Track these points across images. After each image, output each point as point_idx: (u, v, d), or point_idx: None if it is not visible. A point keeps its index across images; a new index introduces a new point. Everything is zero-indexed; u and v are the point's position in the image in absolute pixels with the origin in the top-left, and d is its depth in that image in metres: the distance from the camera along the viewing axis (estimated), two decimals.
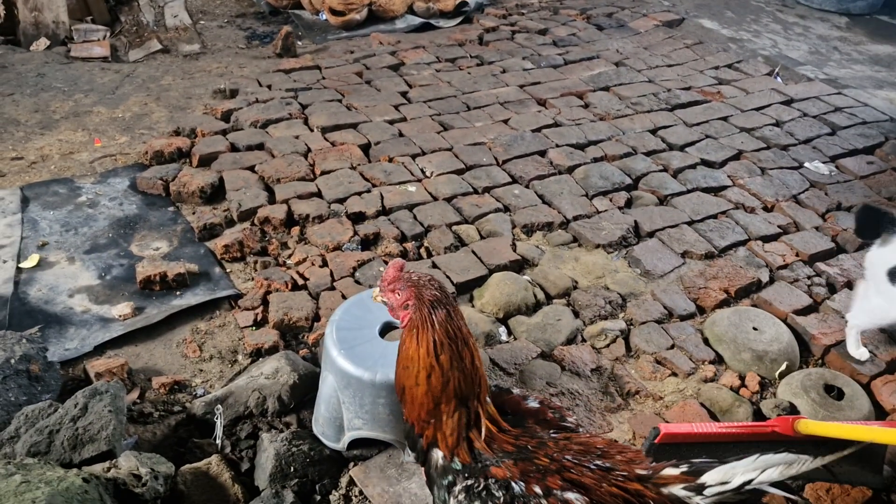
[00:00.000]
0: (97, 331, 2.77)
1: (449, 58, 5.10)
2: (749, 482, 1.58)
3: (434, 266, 3.13)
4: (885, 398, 2.70)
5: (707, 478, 1.61)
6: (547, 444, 1.73)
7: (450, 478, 1.72)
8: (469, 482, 1.68)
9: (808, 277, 3.27)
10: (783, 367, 2.80)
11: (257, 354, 2.72)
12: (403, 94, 4.53)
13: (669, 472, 1.66)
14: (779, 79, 5.15)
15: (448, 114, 4.33)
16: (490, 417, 1.74)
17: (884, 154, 4.30)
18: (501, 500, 1.64)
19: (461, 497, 1.68)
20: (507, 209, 3.55)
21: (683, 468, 1.65)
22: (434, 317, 1.70)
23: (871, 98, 4.98)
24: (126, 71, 4.83)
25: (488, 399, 1.78)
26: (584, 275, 3.21)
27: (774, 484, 1.59)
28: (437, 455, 1.76)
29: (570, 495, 1.63)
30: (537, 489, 1.63)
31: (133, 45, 5.38)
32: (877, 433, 2.08)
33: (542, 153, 4.00)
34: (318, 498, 2.26)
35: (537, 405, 1.85)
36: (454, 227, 3.38)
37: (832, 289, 3.23)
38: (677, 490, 1.63)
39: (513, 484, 1.64)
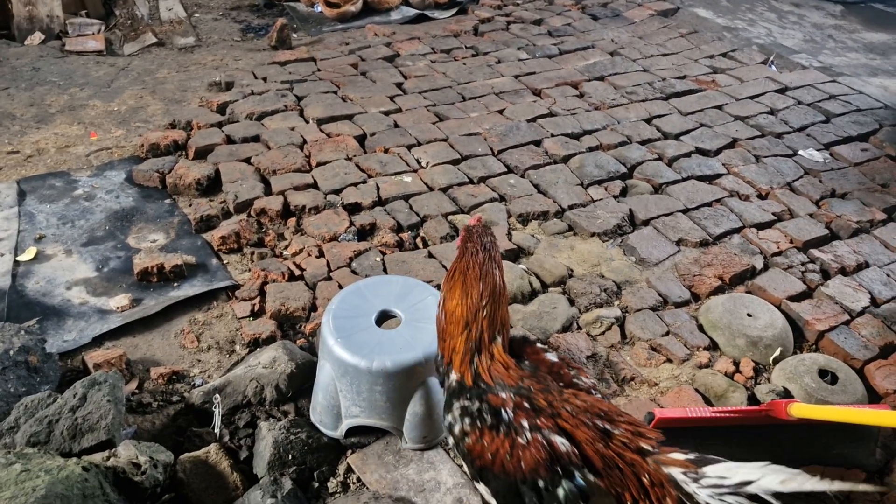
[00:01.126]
0: (95, 322, 2.79)
1: (444, 49, 5.10)
2: (748, 483, 1.55)
3: (430, 256, 3.15)
4: (879, 382, 2.73)
5: (709, 469, 1.60)
6: (551, 392, 1.78)
7: (454, 397, 1.84)
8: (466, 403, 1.80)
9: (802, 264, 3.29)
10: (777, 352, 2.82)
11: (255, 344, 2.73)
12: (399, 86, 4.54)
13: (675, 455, 1.65)
14: (773, 67, 5.16)
15: (443, 104, 4.33)
16: (502, 355, 1.85)
17: (878, 141, 4.32)
18: (488, 422, 1.73)
19: (456, 413, 1.81)
20: (502, 199, 3.57)
21: (691, 456, 1.64)
22: (487, 251, 1.90)
23: (866, 86, 5.00)
24: (121, 64, 4.83)
25: (503, 343, 1.88)
26: (580, 263, 3.22)
27: (776, 496, 1.54)
28: (452, 378, 1.89)
29: (556, 438, 1.68)
30: (524, 423, 1.71)
31: (128, 38, 5.38)
32: (867, 415, 2.11)
33: (538, 143, 4.01)
34: (317, 485, 2.28)
35: (556, 359, 1.91)
36: (450, 217, 3.40)
37: (826, 275, 3.25)
38: (676, 473, 1.63)
39: (503, 411, 1.72)
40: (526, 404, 1.74)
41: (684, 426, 2.23)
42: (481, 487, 1.81)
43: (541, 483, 1.68)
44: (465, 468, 1.77)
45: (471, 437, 1.77)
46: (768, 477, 1.53)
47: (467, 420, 1.78)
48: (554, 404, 1.75)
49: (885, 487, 1.57)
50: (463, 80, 4.65)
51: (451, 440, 1.86)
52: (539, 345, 1.97)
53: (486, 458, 1.75)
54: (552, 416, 1.73)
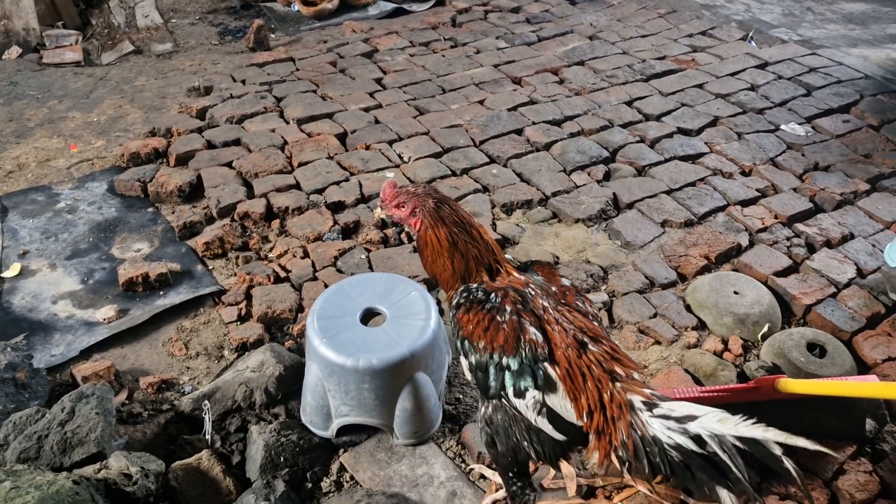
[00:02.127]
0: (82, 335, 2.78)
1: (422, 42, 5.09)
2: (692, 418, 1.62)
3: (415, 251, 3.15)
4: (867, 353, 2.74)
5: (664, 403, 1.71)
6: (548, 300, 1.91)
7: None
8: (470, 286, 1.95)
9: (788, 239, 3.29)
10: (765, 328, 2.83)
11: (243, 349, 2.73)
12: (378, 81, 4.53)
13: (642, 388, 1.76)
14: (753, 43, 5.16)
15: (423, 98, 4.32)
16: (507, 269, 1.98)
17: (859, 112, 4.32)
18: (478, 298, 1.89)
19: (459, 297, 1.94)
20: (486, 189, 3.56)
21: (656, 393, 1.76)
22: (441, 213, 1.94)
23: (846, 57, 5.00)
24: (99, 74, 4.81)
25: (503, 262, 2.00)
26: (565, 250, 3.22)
27: (721, 445, 1.60)
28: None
29: (531, 328, 1.83)
30: (508, 307, 1.86)
31: (105, 47, 5.35)
32: (854, 388, 2.11)
33: (519, 131, 4.00)
34: (310, 485, 2.28)
35: (568, 284, 2.02)
36: None
37: (811, 249, 3.26)
38: (636, 399, 1.74)
39: (492, 295, 1.89)
40: (518, 299, 1.88)
41: None
42: (463, 362, 1.93)
43: (505, 361, 1.82)
44: (457, 344, 1.93)
45: (461, 308, 1.92)
46: (710, 415, 1.62)
47: (464, 295, 1.93)
48: (545, 309, 1.88)
49: (832, 452, 1.63)
50: (442, 72, 4.64)
51: (451, 314, 1.97)
52: (557, 271, 2.08)
53: (468, 329, 1.89)
54: (537, 316, 1.86)
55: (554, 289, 1.97)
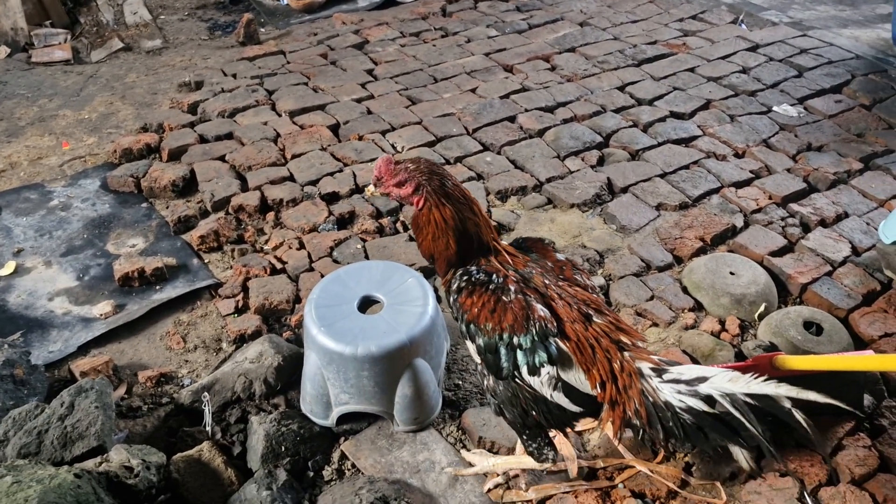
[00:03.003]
0: (79, 331, 2.78)
1: (413, 32, 5.07)
2: (703, 379, 1.66)
3: (411, 239, 3.15)
4: (864, 329, 2.75)
5: (673, 368, 1.74)
6: (547, 276, 1.92)
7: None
8: (469, 268, 1.92)
9: (782, 219, 3.30)
10: (762, 308, 2.84)
11: (241, 340, 2.73)
12: (369, 72, 4.51)
13: (650, 355, 1.80)
14: (743, 26, 5.16)
15: (415, 87, 4.32)
16: (505, 250, 1.96)
17: (851, 91, 4.33)
18: (480, 280, 1.87)
19: (458, 275, 1.92)
20: (480, 177, 3.56)
21: (664, 360, 1.80)
22: (446, 190, 1.88)
23: (836, 37, 5.00)
24: (89, 72, 4.79)
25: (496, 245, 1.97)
26: (561, 235, 3.23)
27: (733, 403, 1.64)
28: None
29: (538, 305, 1.82)
30: (511, 287, 1.85)
31: (94, 45, 5.32)
32: (849, 361, 2.12)
33: (512, 119, 4.00)
34: (312, 474, 2.29)
35: (563, 258, 2.02)
36: None
37: (806, 228, 3.26)
38: (644, 367, 1.78)
39: (493, 276, 1.87)
40: (519, 278, 1.87)
41: None
42: (470, 346, 1.92)
43: (516, 340, 1.81)
44: (462, 329, 1.92)
45: (463, 292, 1.89)
46: (720, 375, 1.68)
47: (464, 279, 1.90)
48: (548, 285, 1.89)
49: (848, 408, 1.70)
50: (434, 61, 4.63)
51: (451, 299, 1.94)
52: (552, 247, 2.09)
53: (473, 312, 1.86)
54: (540, 293, 1.86)
55: (550, 264, 1.98)
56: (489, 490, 2.22)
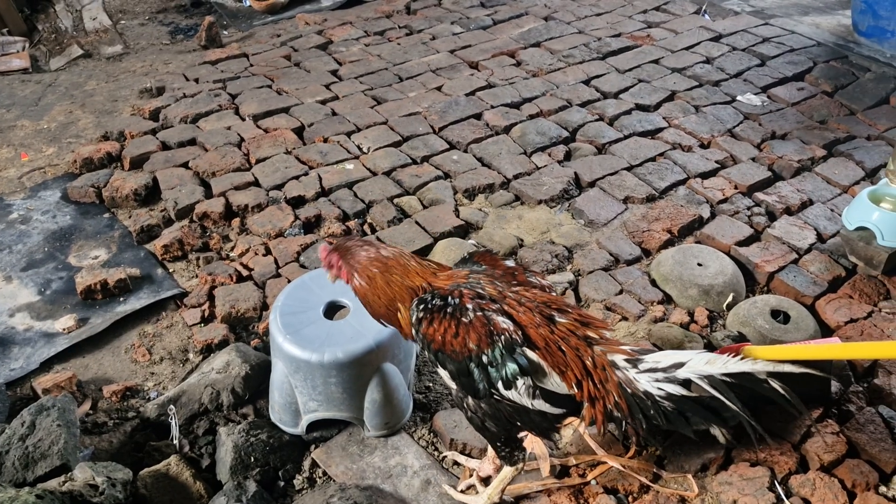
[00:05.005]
0: (42, 347, 2.72)
1: (377, 31, 5.03)
2: (679, 365, 1.67)
3: (378, 241, 3.11)
4: (830, 316, 2.77)
5: (647, 356, 1.75)
6: (498, 284, 1.91)
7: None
8: (424, 296, 1.90)
9: (748, 208, 3.32)
10: (730, 298, 2.85)
11: (208, 350, 2.69)
12: (334, 73, 4.47)
13: (621, 346, 1.80)
14: (706, 16, 5.18)
15: (380, 87, 4.28)
16: (440, 275, 1.94)
17: (813, 79, 4.37)
18: (437, 306, 1.84)
19: (415, 305, 1.89)
20: (447, 176, 3.54)
21: (636, 349, 1.79)
22: (370, 271, 1.91)
23: (798, 25, 5.04)
24: (48, 80, 4.70)
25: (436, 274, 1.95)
26: (529, 232, 3.22)
27: (711, 383, 1.68)
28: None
29: (498, 317, 1.81)
30: (469, 305, 1.83)
31: (53, 52, 5.23)
32: (816, 351, 2.13)
33: (478, 116, 3.98)
34: (282, 484, 2.26)
35: (513, 264, 2.02)
36: (396, 200, 3.37)
37: (772, 217, 3.29)
38: (619, 359, 1.78)
39: (448, 298, 1.84)
40: (471, 294, 1.86)
41: None
42: (442, 372, 1.91)
43: (485, 358, 1.80)
44: (430, 357, 1.91)
45: (423, 322, 1.86)
46: (696, 358, 1.69)
47: (421, 307, 1.87)
48: (502, 293, 1.88)
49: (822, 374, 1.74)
50: (398, 60, 4.60)
51: (413, 332, 1.93)
52: (497, 255, 2.08)
53: (437, 340, 1.84)
54: (498, 302, 1.85)
55: (500, 272, 1.97)
56: (462, 492, 2.21)
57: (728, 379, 1.69)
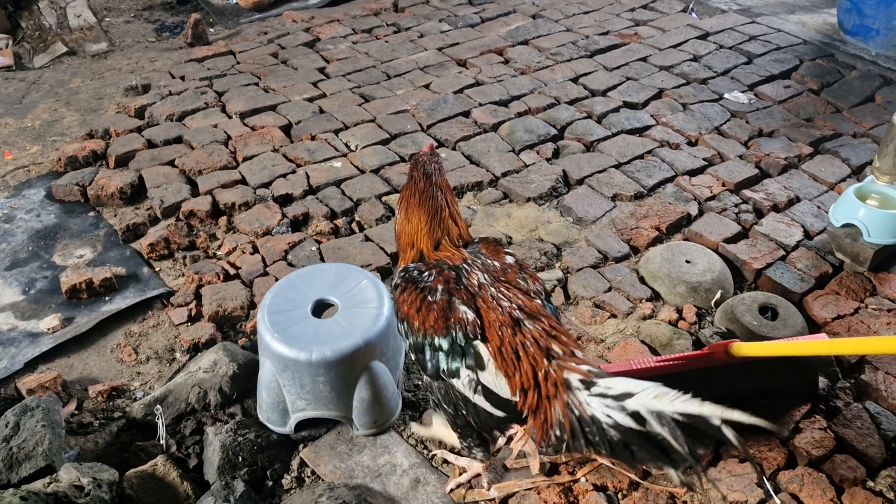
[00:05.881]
0: (26, 347, 2.69)
1: (365, 28, 5.02)
2: (629, 395, 1.59)
3: (367, 239, 3.11)
4: (817, 312, 2.78)
5: (602, 381, 1.67)
6: (487, 277, 1.91)
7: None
8: (405, 267, 2.00)
9: (736, 206, 3.33)
10: (718, 295, 2.86)
11: (195, 349, 2.67)
12: (321, 70, 4.45)
13: (580, 365, 1.72)
14: (693, 14, 5.20)
15: (368, 85, 4.27)
16: (448, 247, 2.01)
17: (799, 77, 4.39)
18: (413, 278, 1.93)
19: (397, 276, 2.01)
20: None
21: (594, 369, 1.72)
22: (437, 196, 2.02)
23: (784, 23, 5.06)
24: (32, 78, 4.65)
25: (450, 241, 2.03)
26: (518, 229, 3.21)
27: (660, 419, 1.56)
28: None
29: (462, 307, 1.83)
30: (439, 287, 1.87)
31: (37, 50, 5.17)
32: (804, 346, 2.14)
33: (466, 114, 3.97)
34: (271, 483, 2.24)
35: (511, 261, 2.01)
36: (384, 198, 3.36)
37: (759, 214, 3.30)
38: (573, 378, 1.70)
39: (425, 273, 1.92)
40: (452, 276, 1.90)
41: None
42: (404, 343, 2.00)
43: (437, 341, 1.84)
44: (397, 325, 2.00)
45: (398, 289, 1.96)
46: (646, 392, 1.58)
47: (402, 275, 1.97)
48: (483, 285, 1.88)
49: (774, 427, 1.60)
50: (386, 58, 4.58)
51: (392, 295, 2.03)
52: (503, 247, 2.07)
53: (403, 311, 1.91)
54: (472, 294, 1.87)
55: (497, 265, 1.96)
56: (451, 490, 2.20)
57: (678, 417, 1.55)
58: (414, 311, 1.87)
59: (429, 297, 1.86)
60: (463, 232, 2.07)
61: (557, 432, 1.71)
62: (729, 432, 1.53)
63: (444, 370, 1.85)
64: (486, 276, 1.92)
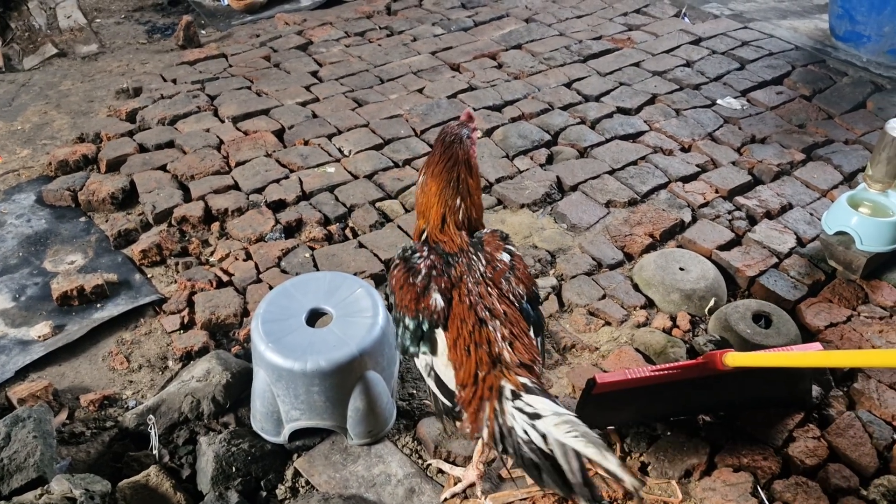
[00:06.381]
0: (16, 355, 2.67)
1: (358, 31, 5.00)
2: (537, 416, 1.61)
3: (360, 246, 3.10)
4: (810, 320, 2.79)
5: (527, 396, 1.69)
6: (473, 270, 1.96)
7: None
8: (409, 246, 2.08)
9: (729, 212, 3.33)
10: (711, 302, 2.86)
11: (188, 358, 2.65)
12: (314, 74, 4.44)
13: (520, 377, 1.74)
14: (686, 19, 5.21)
15: (361, 89, 4.25)
16: (450, 230, 2.04)
17: (791, 83, 4.40)
18: (407, 255, 2.02)
19: (400, 253, 2.07)
20: None
21: (534, 384, 1.74)
22: (463, 166, 2.06)
23: (776, 29, 5.08)
24: (21, 80, 4.61)
25: (457, 222, 2.05)
26: (512, 236, 3.18)
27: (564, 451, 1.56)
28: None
29: (434, 294, 1.91)
30: (423, 270, 1.96)
31: (27, 51, 5.13)
32: (797, 358, 2.15)
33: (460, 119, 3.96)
34: (265, 494, 2.23)
35: (506, 259, 2.02)
36: (378, 204, 3.35)
37: (752, 221, 3.31)
38: (507, 386, 1.73)
39: (416, 255, 2.01)
40: (440, 262, 1.97)
41: (626, 388, 2.24)
42: (391, 315, 2.07)
43: (406, 322, 1.94)
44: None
45: (393, 262, 2.06)
46: (550, 417, 1.59)
47: (400, 252, 2.06)
48: (464, 278, 1.93)
49: (638, 484, 1.58)
50: (379, 62, 4.57)
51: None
52: (507, 243, 2.08)
53: (392, 284, 2.03)
54: (452, 284, 1.92)
55: (488, 261, 1.99)
56: (445, 500, 2.19)
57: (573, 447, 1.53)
58: (398, 287, 1.98)
59: (411, 279, 1.95)
60: (475, 214, 2.09)
61: (484, 435, 1.75)
62: (614, 468, 1.49)
63: (407, 348, 1.97)
64: (472, 269, 1.96)
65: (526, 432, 1.63)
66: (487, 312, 1.86)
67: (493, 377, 1.75)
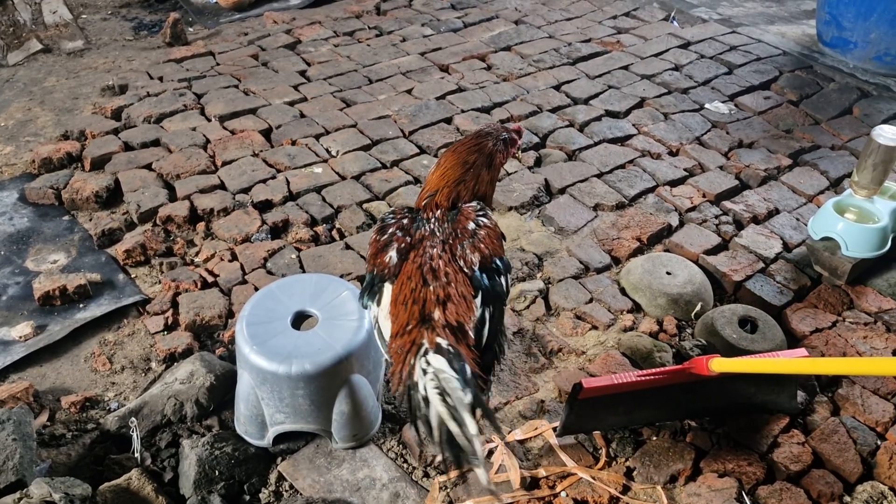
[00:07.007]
0: None
1: (347, 31, 4.98)
2: (424, 372, 1.69)
3: (347, 247, 3.08)
4: (796, 325, 2.80)
5: (433, 355, 1.72)
6: (435, 234, 2.01)
7: None
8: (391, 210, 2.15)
9: (716, 217, 3.34)
10: (698, 307, 2.87)
11: (171, 359, 2.63)
12: (302, 73, 4.41)
13: (439, 338, 1.77)
14: (675, 23, 5.22)
15: (350, 89, 4.23)
16: (441, 199, 2.10)
17: (779, 88, 4.42)
18: (385, 217, 2.10)
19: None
20: (417, 181, 3.51)
21: (444, 345, 1.75)
22: (488, 165, 2.15)
23: (764, 34, 5.10)
24: (5, 76, 4.56)
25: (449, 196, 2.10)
26: None
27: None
28: None
29: (391, 252, 1.99)
30: (390, 230, 2.04)
31: (11, 47, 5.07)
32: (783, 364, 2.15)
33: (448, 120, 3.95)
34: (248, 498, 2.21)
35: (472, 227, 2.02)
36: (365, 205, 3.33)
37: (739, 225, 3.31)
38: (425, 343, 1.77)
39: (392, 217, 2.08)
40: (408, 225, 2.04)
41: (612, 392, 2.23)
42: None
43: (367, 275, 2.06)
44: None
45: (374, 226, 2.16)
46: (429, 376, 1.68)
47: (381, 216, 2.16)
48: (424, 240, 2.00)
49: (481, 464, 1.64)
50: (368, 62, 4.55)
51: None
52: (478, 214, 2.07)
53: (369, 245, 2.12)
54: (412, 245, 2.00)
55: (452, 229, 2.02)
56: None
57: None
58: (369, 244, 2.08)
59: (378, 237, 2.05)
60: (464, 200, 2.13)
61: (401, 389, 1.79)
62: (470, 434, 1.59)
63: (361, 300, 2.06)
64: (435, 234, 2.02)
65: (425, 388, 1.68)
66: (431, 274, 1.92)
67: (417, 332, 1.81)
